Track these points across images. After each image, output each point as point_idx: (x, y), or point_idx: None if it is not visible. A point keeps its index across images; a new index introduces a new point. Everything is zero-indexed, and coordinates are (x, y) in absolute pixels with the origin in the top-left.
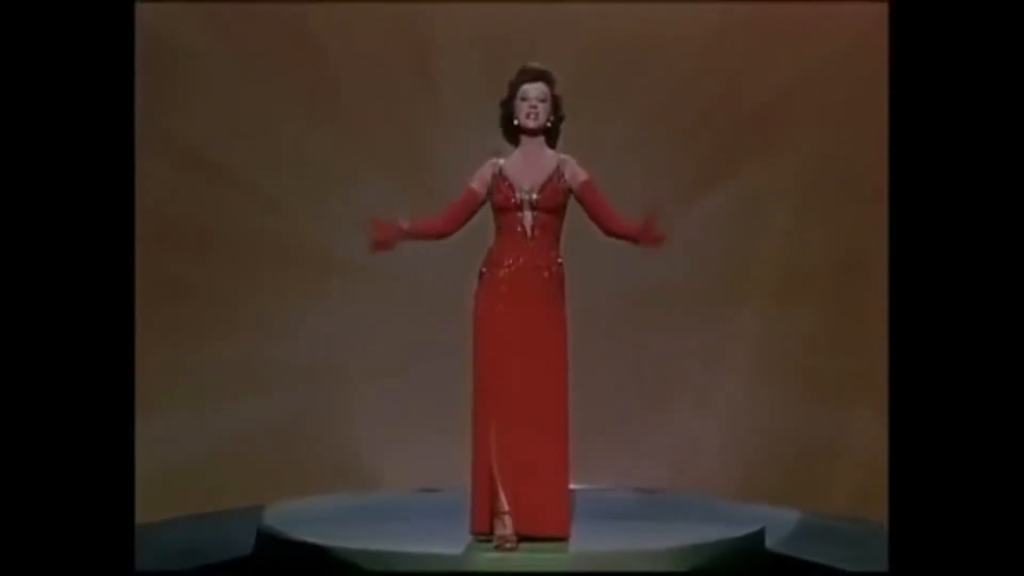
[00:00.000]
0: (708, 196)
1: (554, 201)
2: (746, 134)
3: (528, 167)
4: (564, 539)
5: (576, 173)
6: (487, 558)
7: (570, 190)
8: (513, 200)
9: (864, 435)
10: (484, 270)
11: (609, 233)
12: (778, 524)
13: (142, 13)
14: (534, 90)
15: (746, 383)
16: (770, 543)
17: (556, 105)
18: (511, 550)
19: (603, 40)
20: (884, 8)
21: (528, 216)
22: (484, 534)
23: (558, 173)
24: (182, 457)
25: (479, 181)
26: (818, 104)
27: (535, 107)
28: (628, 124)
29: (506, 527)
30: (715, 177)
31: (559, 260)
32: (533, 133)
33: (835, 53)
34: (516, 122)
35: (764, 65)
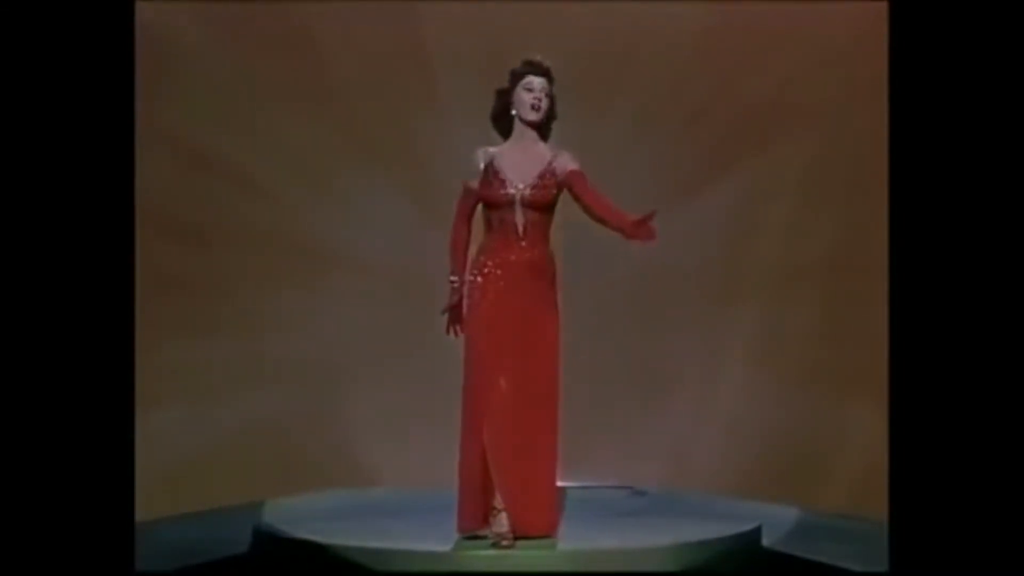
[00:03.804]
0: (707, 192)
1: (546, 199)
2: (745, 130)
3: (522, 161)
4: (550, 537)
5: (565, 164)
6: (483, 556)
7: (560, 183)
8: (505, 196)
9: (864, 432)
10: (475, 267)
11: (598, 220)
12: (776, 522)
13: (142, 13)
14: (540, 83)
15: (744, 379)
16: (767, 541)
17: (554, 102)
18: (508, 547)
19: (601, 37)
20: (883, 7)
21: (520, 213)
22: (472, 534)
23: (550, 169)
24: (178, 455)
25: (471, 175)
26: (818, 101)
27: (539, 99)
28: (626, 121)
29: (503, 524)
30: (714, 173)
31: (550, 257)
32: (532, 126)
33: (835, 50)
34: (514, 112)
35: (763, 62)
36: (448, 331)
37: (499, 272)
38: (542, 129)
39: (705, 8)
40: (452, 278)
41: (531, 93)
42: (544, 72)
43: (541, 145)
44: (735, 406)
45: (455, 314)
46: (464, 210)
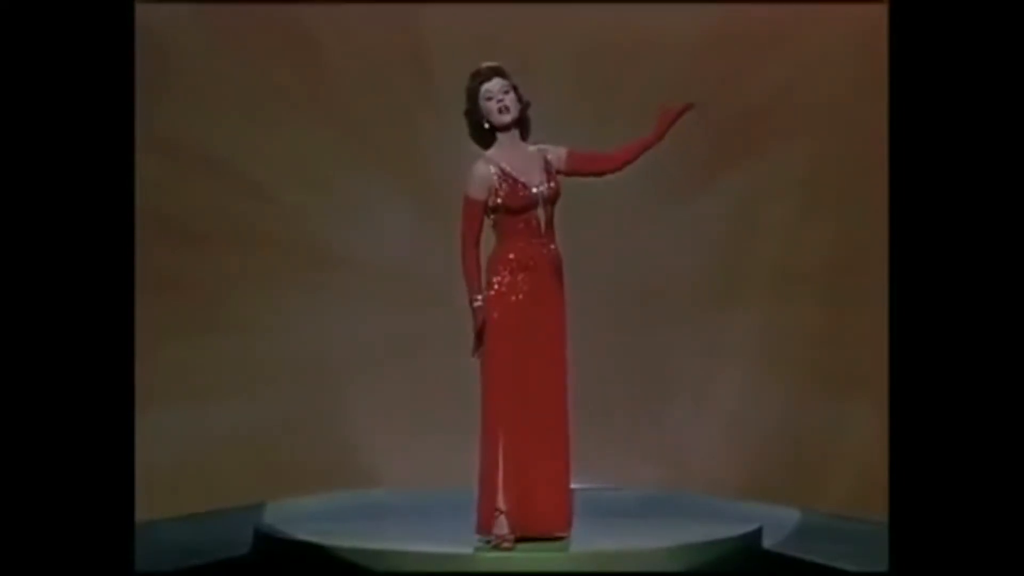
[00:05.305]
0: (707, 192)
1: (559, 191)
2: (746, 130)
3: (522, 162)
4: (564, 538)
5: (558, 152)
6: (485, 558)
7: (561, 171)
8: (531, 197)
9: (864, 432)
10: (497, 273)
11: (623, 165)
12: (776, 523)
13: (142, 14)
14: (496, 86)
15: (743, 379)
16: (768, 542)
17: (519, 93)
18: (508, 550)
19: (601, 39)
20: (883, 7)
21: (543, 212)
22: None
23: (548, 163)
24: (178, 455)
25: (478, 188)
26: (818, 101)
27: (502, 100)
28: (626, 122)
29: (503, 526)
30: (714, 173)
31: (559, 251)
32: (508, 127)
33: (835, 50)
34: (487, 124)
35: (763, 63)
36: (475, 354)
37: (524, 273)
38: (521, 124)
39: (705, 9)
40: (477, 297)
41: (493, 100)
42: (493, 74)
43: (524, 144)
44: (735, 406)
45: (483, 336)
46: (475, 228)
